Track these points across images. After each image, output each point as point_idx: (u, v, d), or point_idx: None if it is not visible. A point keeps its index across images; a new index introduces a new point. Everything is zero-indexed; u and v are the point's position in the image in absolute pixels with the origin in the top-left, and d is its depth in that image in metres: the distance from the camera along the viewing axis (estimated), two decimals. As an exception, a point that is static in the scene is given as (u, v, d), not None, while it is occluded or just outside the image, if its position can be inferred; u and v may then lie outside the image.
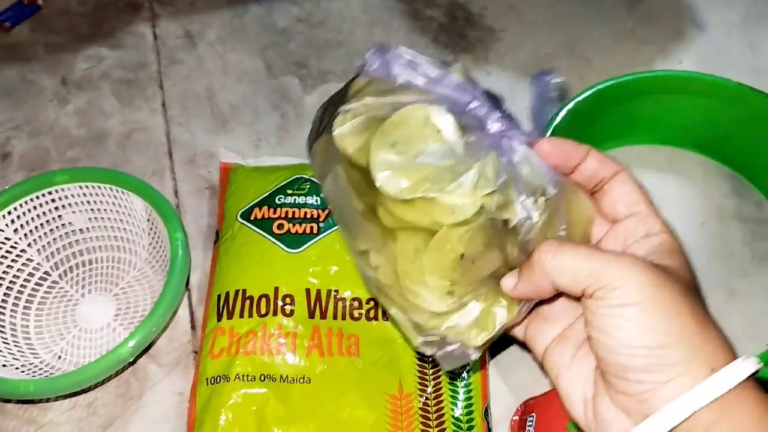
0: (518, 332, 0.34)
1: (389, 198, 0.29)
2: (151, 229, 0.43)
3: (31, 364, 0.40)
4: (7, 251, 0.43)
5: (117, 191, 0.43)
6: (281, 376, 0.37)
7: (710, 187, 0.48)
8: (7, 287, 0.42)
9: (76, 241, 0.45)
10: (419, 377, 0.38)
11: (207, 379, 0.38)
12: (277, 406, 0.37)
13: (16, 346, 0.41)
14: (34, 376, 0.39)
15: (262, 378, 0.37)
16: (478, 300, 0.31)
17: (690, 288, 0.28)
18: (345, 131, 0.31)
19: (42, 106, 0.54)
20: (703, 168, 0.49)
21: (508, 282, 0.30)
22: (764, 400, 0.26)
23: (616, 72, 0.45)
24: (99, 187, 0.43)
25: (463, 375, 0.38)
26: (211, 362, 0.38)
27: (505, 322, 0.31)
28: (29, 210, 0.43)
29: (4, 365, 0.39)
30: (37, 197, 0.43)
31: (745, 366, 0.26)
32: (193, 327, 0.43)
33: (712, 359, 0.26)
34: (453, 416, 0.37)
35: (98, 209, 0.44)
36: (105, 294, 0.44)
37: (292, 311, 0.39)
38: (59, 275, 0.44)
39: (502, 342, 0.42)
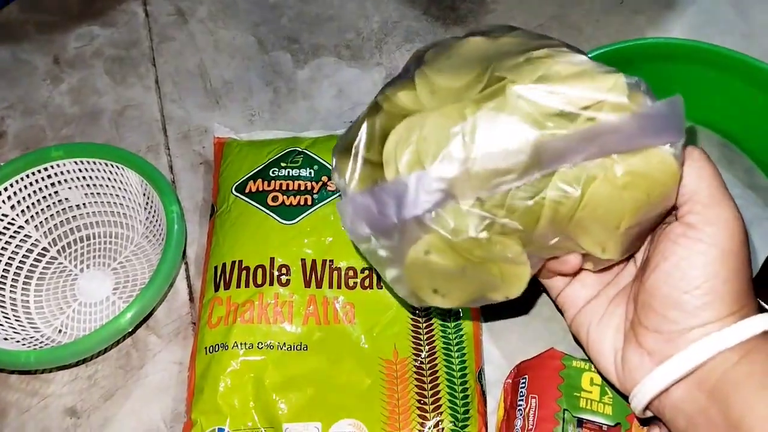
0: (553, 293, 0.35)
1: None
2: (147, 203, 0.44)
3: (32, 338, 0.41)
4: (5, 227, 0.43)
5: (112, 166, 0.43)
6: (279, 343, 0.38)
7: (700, 154, 0.48)
8: (6, 263, 0.43)
9: (74, 216, 0.45)
10: (414, 342, 0.39)
11: (206, 348, 0.38)
12: (275, 372, 0.37)
13: (17, 320, 0.42)
14: (35, 349, 0.40)
15: (260, 346, 0.38)
16: None
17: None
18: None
19: (35, 85, 0.54)
20: (692, 135, 0.49)
21: None
22: None
23: (608, 42, 0.45)
24: (94, 163, 0.44)
25: (457, 339, 0.39)
26: (210, 331, 0.39)
27: None
28: (26, 186, 0.43)
29: (5, 339, 0.40)
30: (33, 174, 0.43)
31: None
32: (191, 299, 0.44)
33: (744, 313, 0.27)
34: (447, 380, 0.38)
35: (94, 185, 0.45)
36: (103, 269, 0.45)
37: (288, 281, 0.40)
38: (57, 251, 0.45)
39: (495, 308, 0.43)
